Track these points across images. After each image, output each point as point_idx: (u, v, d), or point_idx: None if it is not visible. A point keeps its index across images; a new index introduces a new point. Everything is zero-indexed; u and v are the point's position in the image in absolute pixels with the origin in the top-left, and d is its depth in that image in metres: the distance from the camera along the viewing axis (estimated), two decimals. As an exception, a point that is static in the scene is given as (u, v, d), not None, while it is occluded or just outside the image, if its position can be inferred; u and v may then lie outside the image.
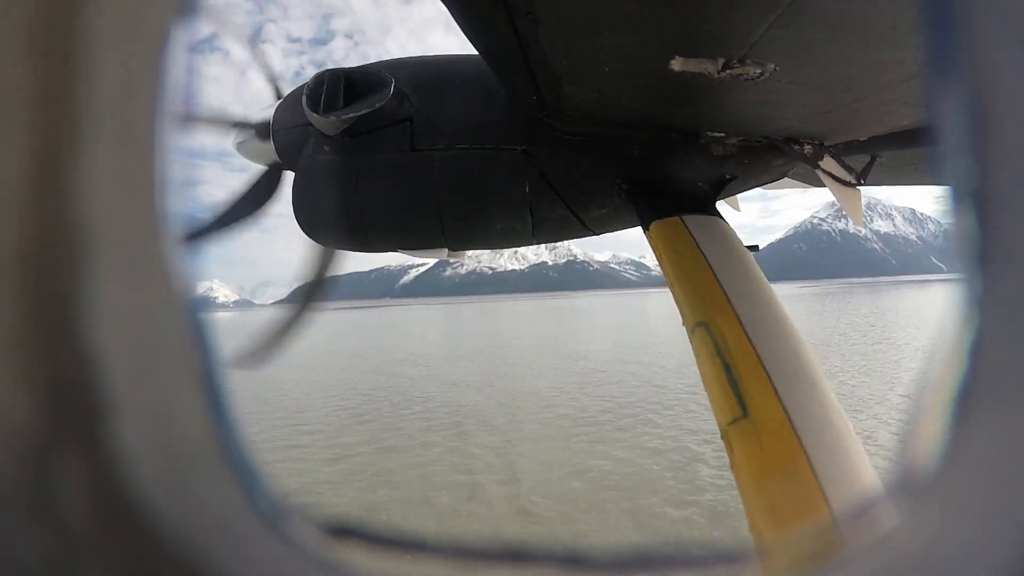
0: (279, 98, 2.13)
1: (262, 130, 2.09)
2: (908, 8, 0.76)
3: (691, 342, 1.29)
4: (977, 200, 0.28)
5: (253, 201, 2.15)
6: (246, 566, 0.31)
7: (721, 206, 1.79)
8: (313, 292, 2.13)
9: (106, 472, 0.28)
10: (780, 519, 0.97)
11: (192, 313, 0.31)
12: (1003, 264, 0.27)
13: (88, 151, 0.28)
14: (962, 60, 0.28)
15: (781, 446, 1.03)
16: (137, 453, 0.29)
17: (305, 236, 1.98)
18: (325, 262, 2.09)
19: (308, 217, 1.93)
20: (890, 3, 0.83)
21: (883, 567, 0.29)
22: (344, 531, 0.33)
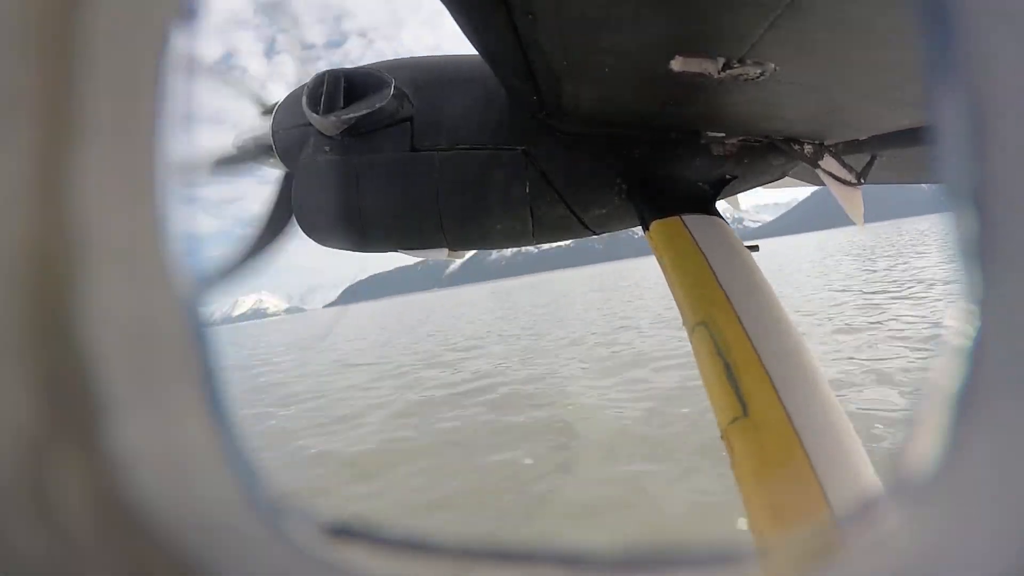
0: (265, 113, 2.14)
1: (262, 150, 2.10)
2: (908, 7, 0.76)
3: (691, 342, 1.29)
4: (977, 199, 0.28)
5: (279, 220, 2.15)
6: (246, 566, 0.31)
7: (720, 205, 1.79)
8: (280, 219, 2.12)
9: (105, 473, 0.28)
10: (780, 518, 0.97)
11: (192, 314, 0.31)
12: (1004, 264, 0.27)
13: (88, 152, 0.28)
14: (962, 59, 0.28)
15: (781, 445, 1.03)
16: (136, 454, 0.29)
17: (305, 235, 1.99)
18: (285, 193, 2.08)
19: (308, 217, 1.93)
20: (890, 2, 0.83)
21: (883, 567, 0.29)
22: (345, 531, 0.33)
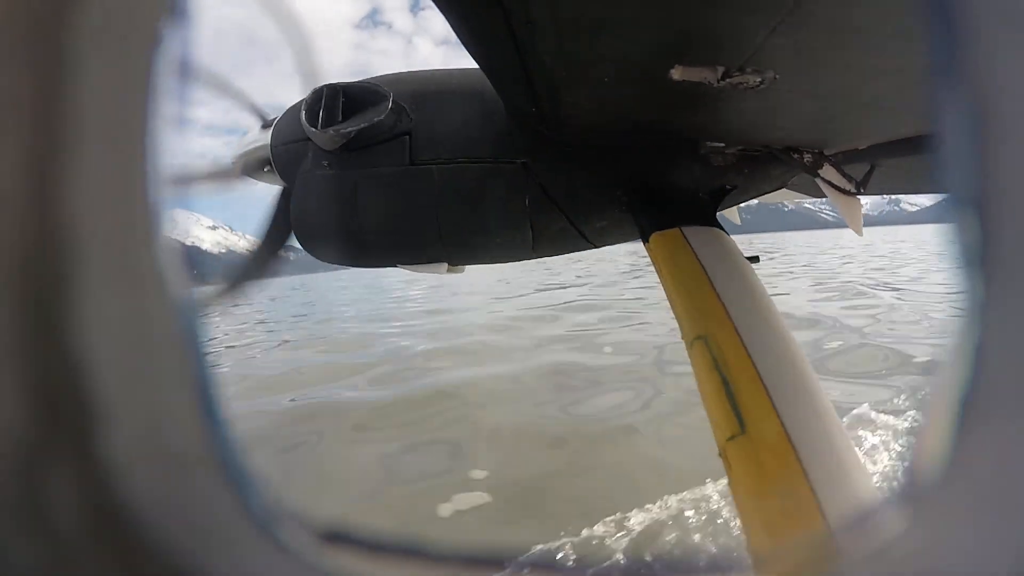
0: (265, 126, 2.13)
1: (260, 164, 2.10)
2: (909, 15, 0.76)
3: (689, 356, 1.28)
4: (979, 207, 0.28)
5: (277, 237, 2.14)
6: (239, 572, 0.30)
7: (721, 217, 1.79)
8: (279, 236, 2.11)
9: (98, 479, 0.28)
10: (779, 537, 0.96)
11: (184, 318, 0.31)
12: (1006, 272, 0.27)
13: (79, 155, 0.28)
14: (963, 67, 0.28)
15: (779, 463, 1.02)
16: (129, 459, 0.29)
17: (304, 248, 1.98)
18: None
19: (306, 232, 1.92)
20: (890, 10, 0.83)
21: None
22: (338, 537, 0.33)
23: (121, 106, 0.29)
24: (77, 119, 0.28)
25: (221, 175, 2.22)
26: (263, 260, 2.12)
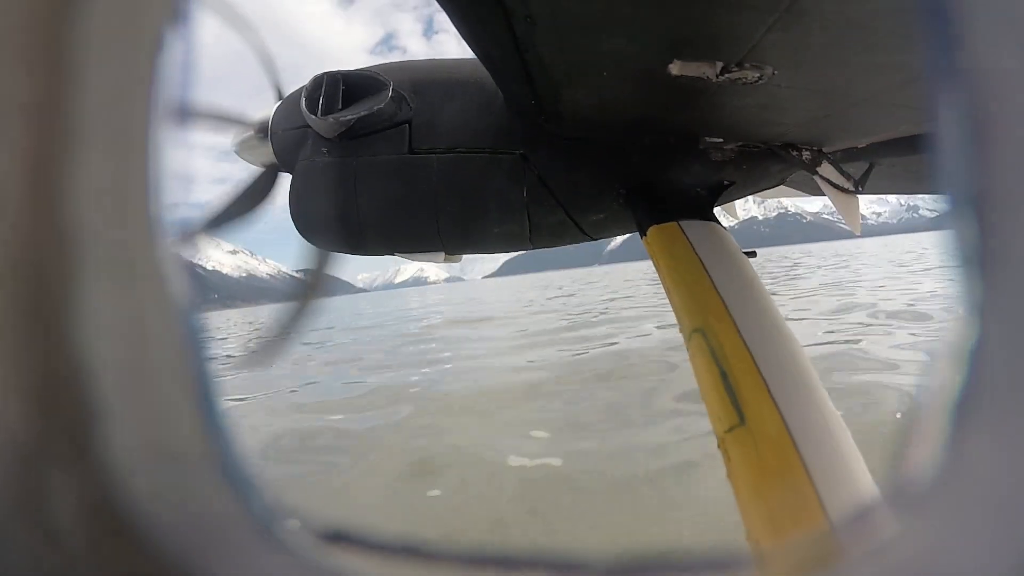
0: (280, 97, 2.13)
1: (262, 129, 2.09)
2: (909, 11, 0.76)
3: (687, 349, 1.28)
4: (977, 206, 0.27)
5: (247, 201, 2.18)
6: (239, 572, 0.30)
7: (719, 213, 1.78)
8: (315, 286, 2.12)
9: (98, 479, 0.28)
10: (778, 528, 0.96)
11: (185, 318, 0.31)
12: (1004, 271, 0.27)
13: (81, 155, 0.28)
14: (962, 64, 0.28)
15: (778, 454, 1.02)
16: (129, 460, 0.29)
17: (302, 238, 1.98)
18: (324, 258, 2.08)
19: (305, 219, 1.93)
20: (890, 5, 0.82)
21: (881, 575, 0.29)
22: (340, 537, 0.33)
23: (123, 108, 0.29)
24: (79, 121, 0.28)
25: (231, 122, 2.22)
26: (228, 218, 2.17)
